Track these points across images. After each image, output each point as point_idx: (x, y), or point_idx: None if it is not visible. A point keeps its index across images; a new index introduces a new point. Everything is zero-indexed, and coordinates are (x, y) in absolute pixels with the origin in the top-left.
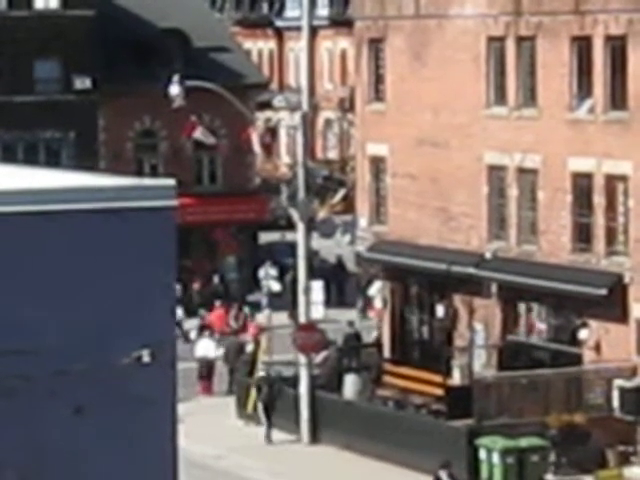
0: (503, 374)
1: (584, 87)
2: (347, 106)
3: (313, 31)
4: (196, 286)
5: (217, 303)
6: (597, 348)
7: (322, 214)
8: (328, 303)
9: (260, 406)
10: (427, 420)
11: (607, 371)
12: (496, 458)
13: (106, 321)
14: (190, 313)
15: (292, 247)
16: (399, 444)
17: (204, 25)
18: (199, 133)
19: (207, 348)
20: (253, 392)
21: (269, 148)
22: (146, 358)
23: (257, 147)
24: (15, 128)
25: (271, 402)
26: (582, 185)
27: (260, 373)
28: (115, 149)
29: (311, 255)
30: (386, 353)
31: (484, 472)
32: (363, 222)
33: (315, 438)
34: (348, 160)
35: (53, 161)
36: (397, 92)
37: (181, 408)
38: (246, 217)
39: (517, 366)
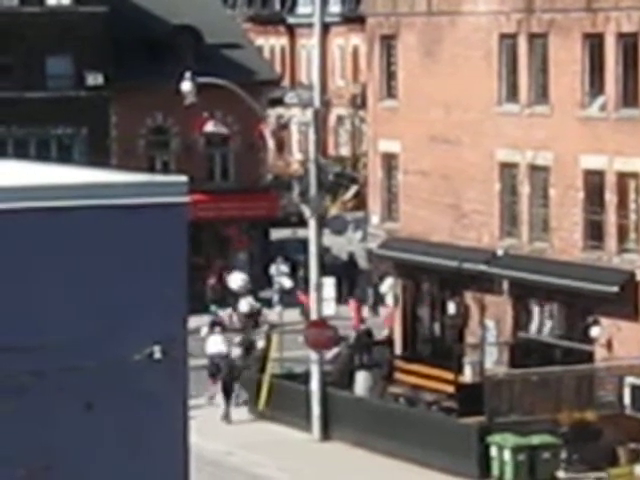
0: (514, 371)
1: (596, 84)
2: (359, 103)
3: (325, 28)
4: (211, 282)
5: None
6: (609, 345)
7: (334, 211)
8: (339, 300)
9: (219, 385)
10: (438, 417)
11: (618, 368)
12: (507, 455)
13: (117, 317)
14: (202, 309)
15: (304, 244)
16: (410, 441)
17: (216, 22)
18: (211, 126)
19: (218, 345)
20: (264, 388)
21: (281, 139)
22: (157, 354)
23: (271, 142)
24: (27, 124)
25: (230, 383)
26: (594, 182)
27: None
28: (127, 145)
29: (322, 252)
30: (397, 350)
31: (495, 469)
32: (375, 219)
33: (326, 435)
34: (360, 157)
35: (65, 157)
36: (409, 89)
37: (192, 404)
38: (258, 214)
39: (528, 363)
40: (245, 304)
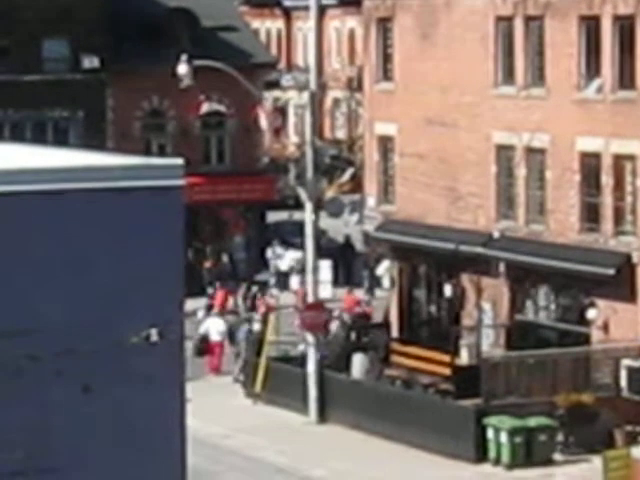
0: (511, 354)
1: (592, 67)
2: (355, 85)
3: (321, 10)
4: (207, 265)
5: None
6: (605, 328)
7: (330, 193)
8: (336, 282)
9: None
10: (435, 400)
11: (615, 351)
12: (504, 438)
13: (114, 300)
14: (199, 292)
15: (300, 226)
16: (407, 423)
17: (212, 4)
18: (206, 106)
19: (215, 327)
20: (261, 371)
21: (278, 130)
22: (154, 337)
23: (265, 125)
24: (23, 107)
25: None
26: (590, 165)
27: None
28: (123, 128)
29: (319, 234)
30: (394, 332)
31: (492, 452)
32: (371, 201)
33: (323, 417)
34: (356, 139)
35: (61, 140)
36: (405, 71)
37: (189, 387)
38: (254, 196)
39: (525, 346)
40: (297, 283)
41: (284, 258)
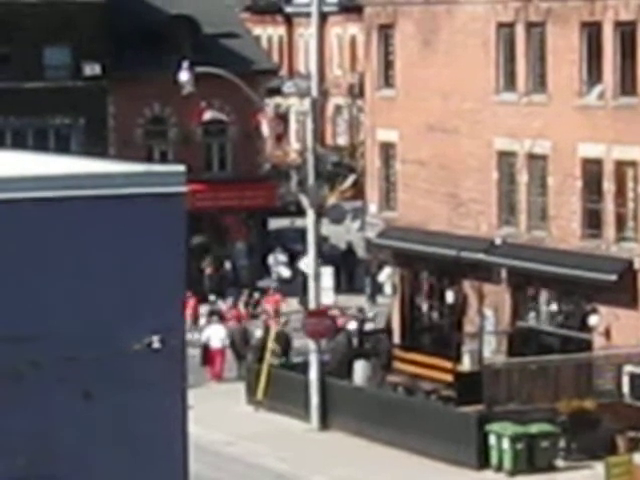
0: (513, 360)
1: (594, 73)
2: (357, 92)
3: (323, 17)
4: (208, 271)
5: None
6: (607, 334)
7: (332, 200)
8: (338, 289)
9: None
10: (437, 406)
11: (617, 357)
12: (506, 444)
13: (116, 307)
14: (201, 299)
15: (302, 233)
16: (409, 430)
17: (214, 11)
18: (209, 114)
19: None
20: (263, 378)
21: (280, 137)
22: (156, 344)
23: (266, 131)
24: (25, 114)
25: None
26: (592, 171)
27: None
28: (125, 135)
29: (321, 241)
30: (396, 339)
31: (494, 458)
32: (373, 208)
33: (325, 424)
34: (358, 146)
35: (63, 147)
36: (406, 78)
37: (191, 394)
38: (256, 203)
39: (527, 352)
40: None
41: (301, 264)
